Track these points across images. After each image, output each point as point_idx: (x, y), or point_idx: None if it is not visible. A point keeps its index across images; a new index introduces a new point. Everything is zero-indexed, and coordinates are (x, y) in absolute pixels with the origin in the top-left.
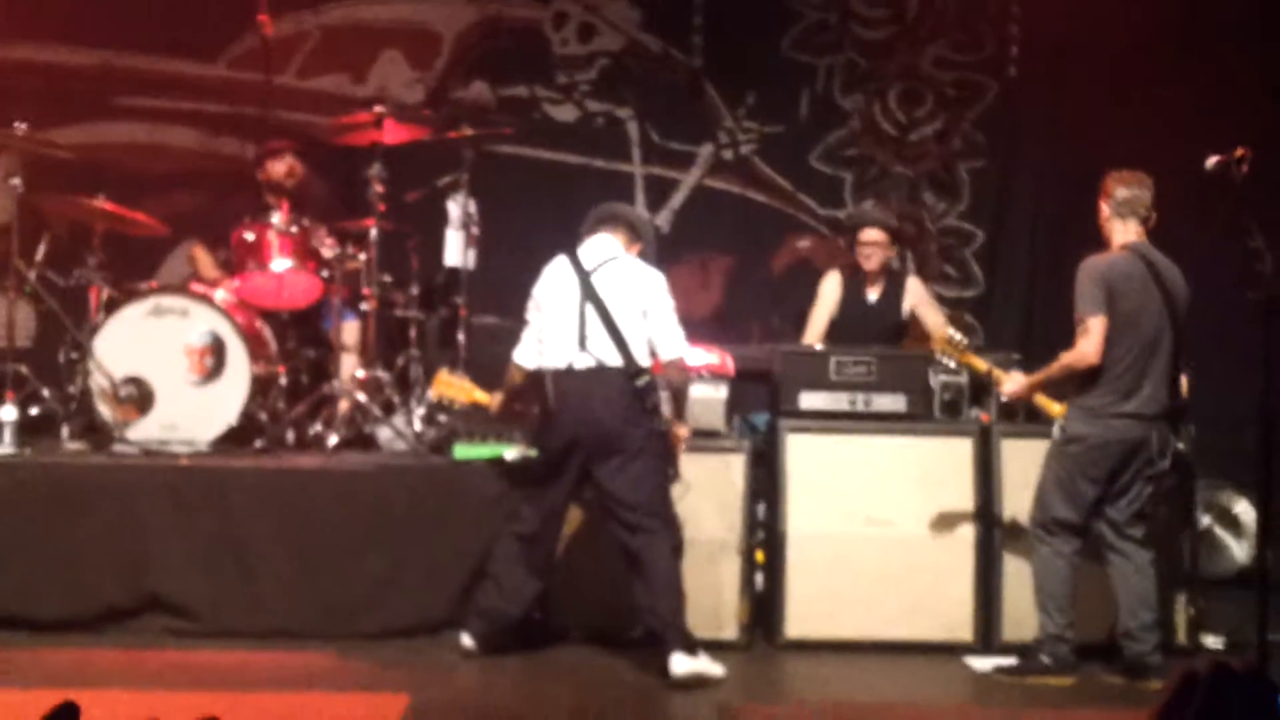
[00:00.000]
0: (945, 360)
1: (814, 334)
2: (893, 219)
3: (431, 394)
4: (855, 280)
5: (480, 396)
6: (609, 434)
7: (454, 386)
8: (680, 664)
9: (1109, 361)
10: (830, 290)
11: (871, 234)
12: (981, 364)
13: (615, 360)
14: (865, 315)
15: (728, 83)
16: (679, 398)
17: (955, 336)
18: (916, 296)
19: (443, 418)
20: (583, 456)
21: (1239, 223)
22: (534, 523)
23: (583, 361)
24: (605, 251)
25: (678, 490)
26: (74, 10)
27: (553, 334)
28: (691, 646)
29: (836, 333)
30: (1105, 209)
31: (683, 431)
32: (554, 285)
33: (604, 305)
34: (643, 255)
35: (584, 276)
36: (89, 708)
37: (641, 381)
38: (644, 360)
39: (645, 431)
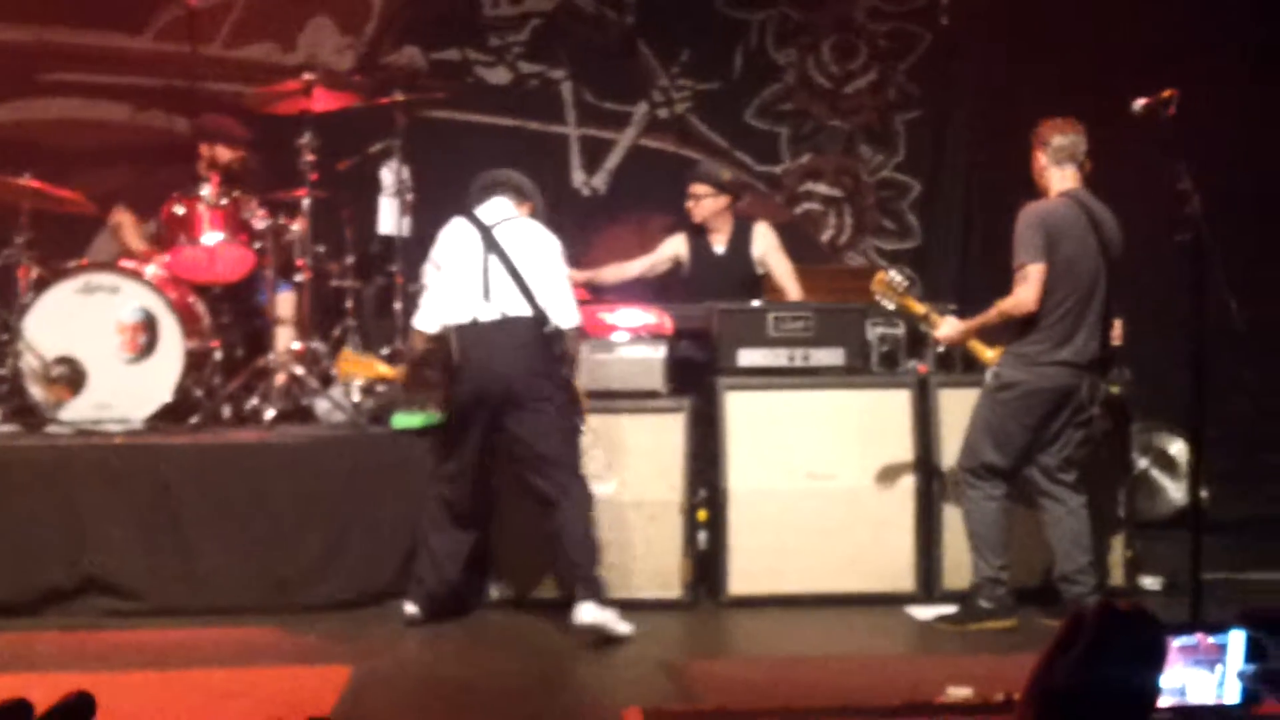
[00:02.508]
0: (883, 302)
1: (616, 273)
2: (722, 176)
3: (336, 373)
4: (701, 237)
5: (384, 370)
6: (516, 384)
7: (358, 364)
8: (586, 613)
9: (1045, 309)
10: (667, 248)
11: (695, 188)
12: (919, 306)
13: (522, 310)
14: (714, 267)
15: (661, 41)
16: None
17: (894, 278)
18: (765, 243)
19: (381, 387)
20: (491, 408)
21: (1167, 165)
22: (455, 482)
23: (487, 314)
24: (502, 211)
25: (608, 448)
26: None
27: (455, 290)
28: (601, 597)
29: (690, 287)
30: (1041, 158)
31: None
32: (454, 243)
33: (507, 257)
34: (535, 215)
35: (485, 231)
36: (28, 691)
37: (548, 329)
38: (549, 310)
39: (553, 381)
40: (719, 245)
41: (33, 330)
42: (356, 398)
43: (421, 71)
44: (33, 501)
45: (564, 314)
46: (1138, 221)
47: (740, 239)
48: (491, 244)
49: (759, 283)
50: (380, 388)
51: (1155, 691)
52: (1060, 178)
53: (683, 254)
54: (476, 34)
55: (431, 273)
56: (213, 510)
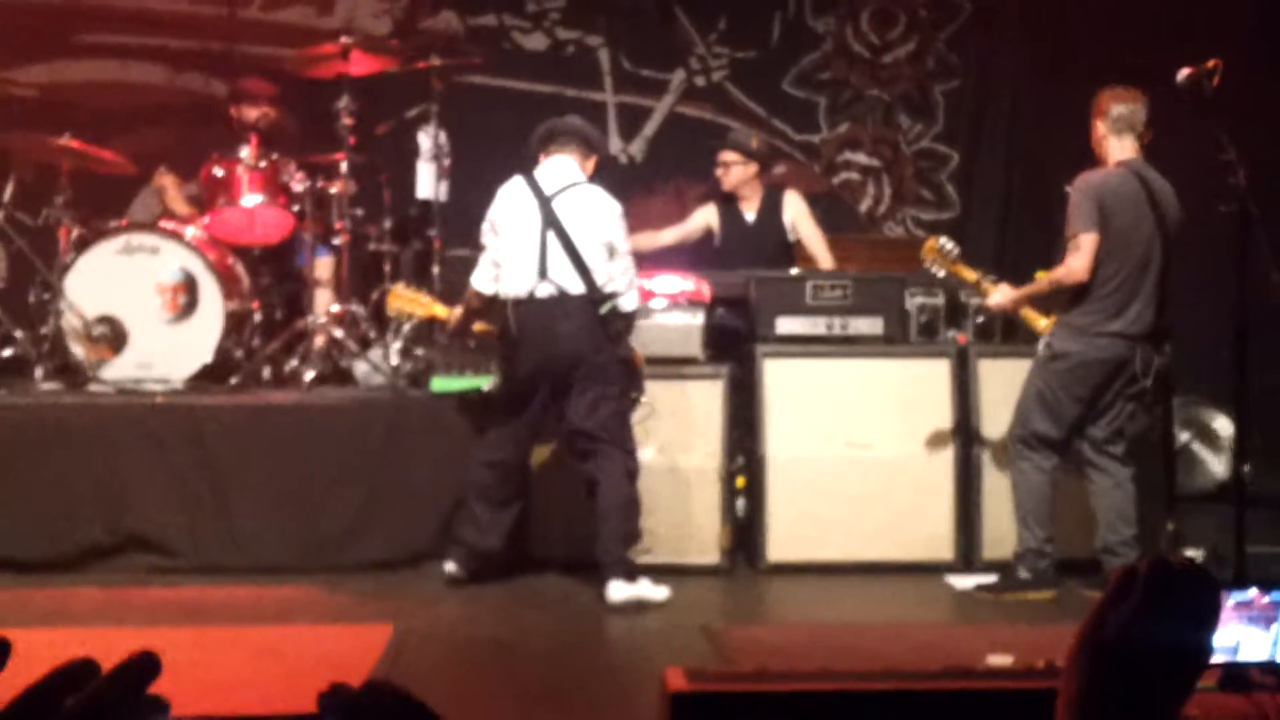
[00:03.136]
0: (934, 269)
1: (649, 241)
2: (750, 143)
3: (388, 309)
4: (732, 205)
5: (438, 310)
6: (571, 361)
7: (410, 300)
8: (616, 590)
9: (1098, 279)
10: (698, 216)
11: (724, 155)
12: (970, 274)
13: (577, 288)
14: (745, 235)
15: (699, 8)
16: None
17: (945, 245)
18: (795, 210)
19: (419, 350)
20: (546, 384)
21: (1211, 136)
22: (502, 451)
23: (544, 290)
24: (564, 175)
25: (647, 415)
26: None
27: (512, 260)
28: (630, 573)
29: (722, 256)
30: (1100, 127)
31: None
32: (513, 209)
33: (566, 233)
34: (598, 169)
35: (544, 202)
36: (71, 646)
37: (604, 309)
38: (606, 288)
39: (607, 359)
40: (749, 213)
41: (74, 290)
42: (395, 360)
43: (458, 37)
44: (74, 459)
45: (624, 294)
46: (1181, 193)
47: (770, 207)
48: (550, 217)
49: (790, 250)
50: (418, 350)
51: (1209, 648)
52: (1118, 148)
53: (714, 223)
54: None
55: (489, 235)
56: (252, 470)
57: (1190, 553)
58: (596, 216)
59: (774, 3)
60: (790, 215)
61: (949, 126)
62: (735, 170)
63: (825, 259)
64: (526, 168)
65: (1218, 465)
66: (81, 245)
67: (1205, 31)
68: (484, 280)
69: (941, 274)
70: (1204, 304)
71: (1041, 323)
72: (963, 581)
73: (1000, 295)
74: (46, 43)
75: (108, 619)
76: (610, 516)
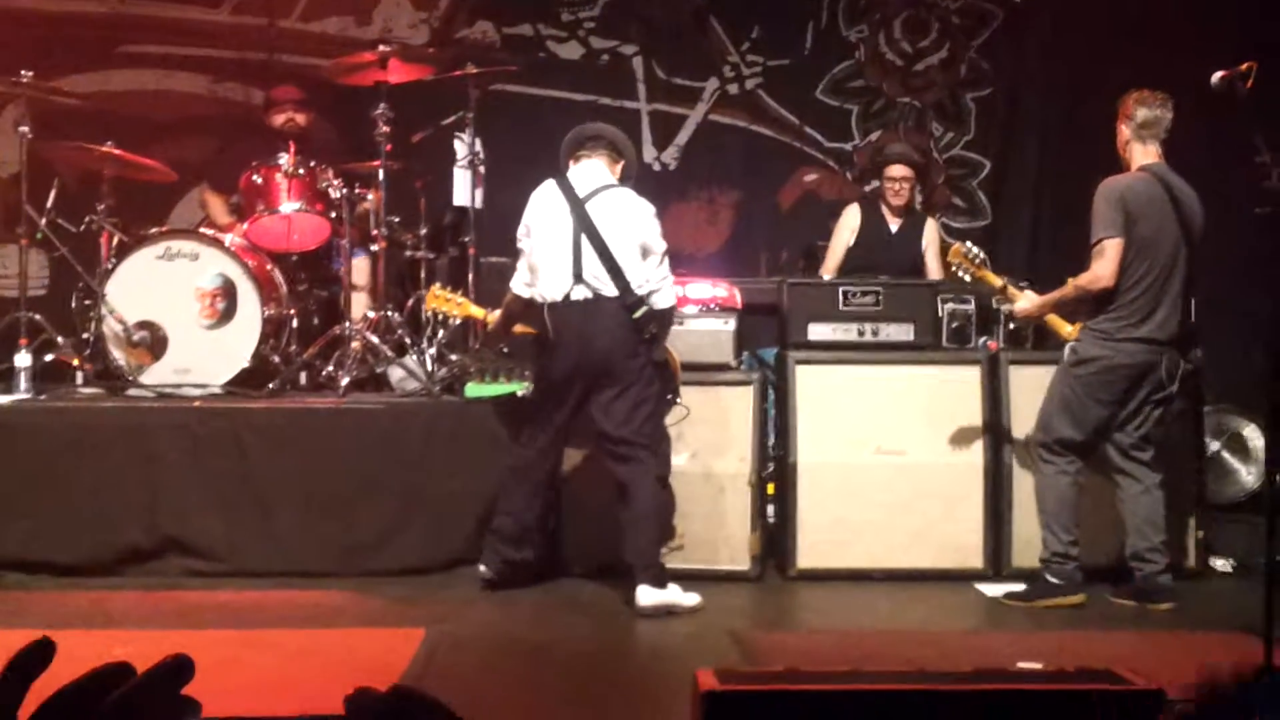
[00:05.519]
0: (960, 274)
1: (831, 265)
2: (917, 155)
3: (425, 308)
4: (875, 212)
5: (475, 311)
6: (607, 364)
7: (448, 300)
8: (645, 596)
9: (1124, 285)
10: (849, 221)
11: (898, 169)
12: (996, 280)
13: (611, 291)
14: (888, 245)
15: (732, 17)
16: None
17: (971, 250)
18: (930, 237)
19: (454, 356)
20: (581, 387)
21: (1245, 138)
22: (535, 454)
23: (579, 293)
24: (596, 178)
25: (681, 419)
26: None
27: (547, 264)
28: (660, 579)
29: (857, 262)
30: (1125, 131)
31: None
32: (546, 213)
33: (599, 236)
34: (626, 173)
35: (577, 205)
36: (109, 646)
37: (639, 313)
38: (640, 290)
39: (642, 362)
40: (894, 225)
41: (115, 295)
42: (430, 366)
43: (494, 46)
44: (114, 463)
45: (660, 294)
46: (1214, 197)
47: (914, 225)
48: (583, 221)
49: (922, 265)
50: (452, 355)
51: None
52: (1142, 153)
53: (854, 224)
54: (549, 9)
55: (524, 238)
56: (289, 475)
57: (1219, 562)
58: (629, 218)
59: (807, 11)
60: (927, 240)
61: (980, 134)
62: (905, 185)
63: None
64: (560, 172)
65: (1248, 474)
66: (123, 251)
67: (1237, 38)
68: (521, 284)
69: (967, 279)
70: (1235, 309)
71: (1067, 329)
72: (992, 589)
73: (1026, 301)
74: (90, 53)
75: (145, 621)
76: (641, 522)
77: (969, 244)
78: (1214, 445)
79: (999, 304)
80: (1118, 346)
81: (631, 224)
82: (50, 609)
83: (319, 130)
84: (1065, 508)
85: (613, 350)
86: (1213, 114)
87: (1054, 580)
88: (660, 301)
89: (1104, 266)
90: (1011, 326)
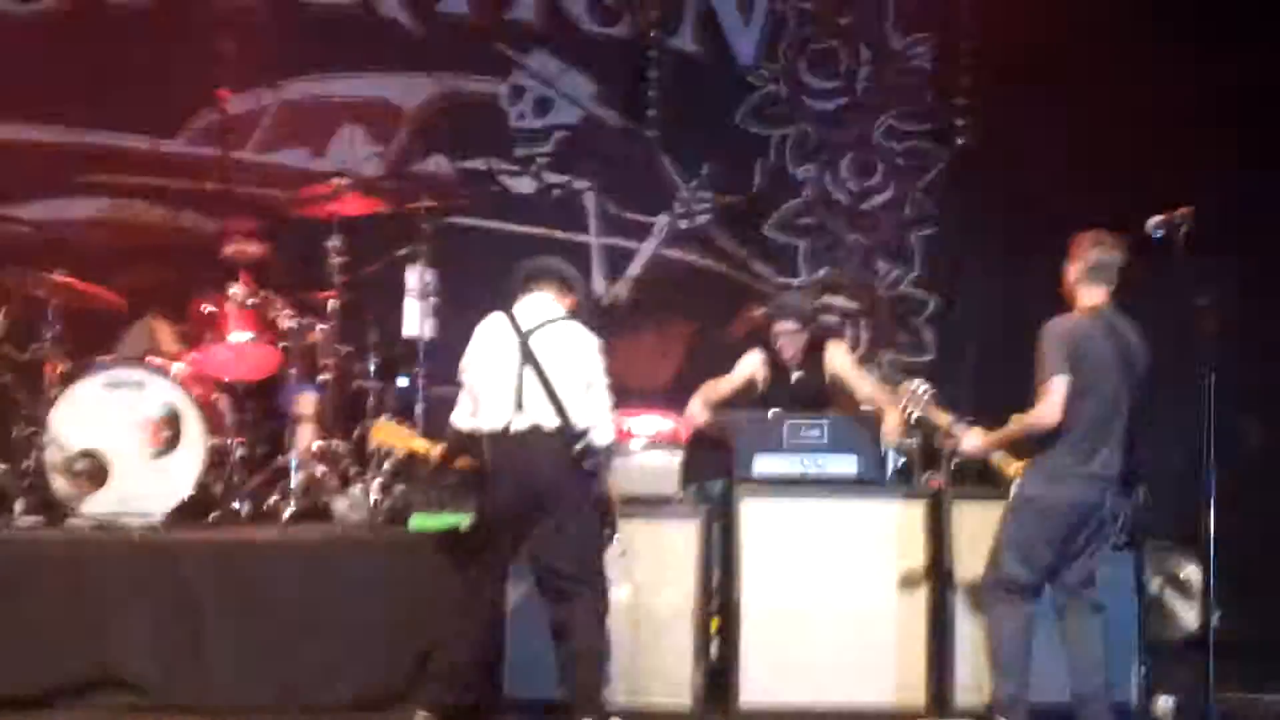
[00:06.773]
0: (908, 412)
1: (708, 393)
2: (808, 306)
3: (372, 440)
4: (777, 358)
5: (418, 445)
6: (546, 496)
7: (394, 433)
8: None
9: (1069, 423)
10: (746, 367)
11: (782, 325)
12: (944, 418)
13: (552, 422)
14: (789, 390)
15: (683, 154)
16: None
17: (919, 388)
18: (837, 363)
19: (399, 488)
20: (521, 520)
21: (1183, 281)
22: (478, 592)
23: (520, 423)
24: (543, 311)
25: (621, 554)
26: (37, 89)
27: (489, 394)
28: (601, 715)
29: (764, 408)
30: (1075, 271)
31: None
32: (490, 345)
33: (542, 368)
34: (577, 306)
35: (523, 337)
36: None
37: (579, 446)
38: (581, 423)
39: (582, 494)
40: (795, 369)
41: (58, 424)
42: (375, 497)
43: (448, 180)
44: (50, 594)
45: (600, 429)
46: (1153, 336)
47: (814, 363)
48: (528, 354)
49: (829, 401)
50: (397, 487)
51: None
52: (1089, 294)
53: (759, 375)
54: (503, 145)
55: (468, 370)
56: (228, 608)
57: (1162, 699)
58: (573, 351)
59: (756, 150)
60: (832, 369)
61: (926, 271)
62: (796, 339)
63: (875, 400)
64: (509, 305)
65: (1189, 614)
66: (68, 380)
67: (1186, 176)
68: (463, 415)
69: (916, 416)
70: (1172, 449)
71: (1012, 467)
72: None
73: (973, 439)
74: (44, 181)
75: None
76: (582, 659)
77: (917, 382)
78: (1155, 585)
79: (947, 441)
80: (1064, 484)
81: (575, 357)
82: None
83: (271, 260)
84: (1016, 651)
85: (553, 482)
86: (1151, 254)
87: None
88: (599, 438)
89: (1050, 405)
90: (956, 463)
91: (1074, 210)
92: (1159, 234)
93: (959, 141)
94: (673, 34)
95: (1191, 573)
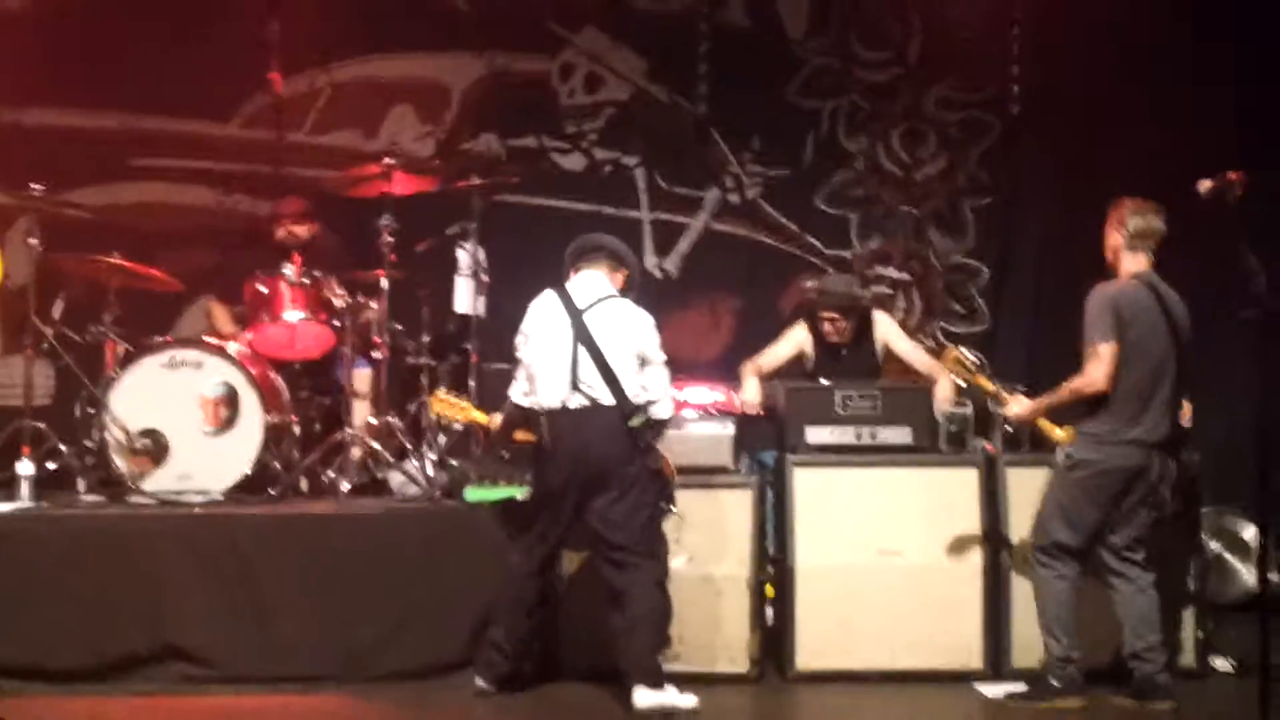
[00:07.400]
0: (955, 379)
1: (757, 367)
2: (854, 292)
3: (430, 411)
4: (824, 337)
5: (478, 416)
6: (603, 472)
7: (451, 405)
8: (642, 698)
9: (1115, 388)
10: (794, 339)
11: (829, 314)
12: (990, 385)
13: (608, 399)
14: (839, 364)
15: (733, 128)
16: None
17: (966, 356)
18: (884, 330)
19: (454, 461)
20: (578, 494)
21: (1233, 245)
22: (531, 564)
23: (576, 401)
24: (595, 289)
25: (677, 524)
26: (92, 75)
27: (545, 372)
28: (658, 681)
29: (813, 378)
30: (1117, 238)
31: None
32: (544, 323)
33: (597, 347)
34: (628, 283)
35: (576, 315)
36: None
37: (636, 421)
38: (636, 399)
39: (638, 469)
40: (844, 347)
41: (118, 404)
42: (431, 471)
43: (499, 157)
44: (113, 570)
45: (661, 404)
46: (1204, 299)
47: (862, 332)
48: (581, 331)
49: (879, 370)
50: (453, 461)
51: None
52: (1133, 260)
53: (807, 348)
54: (553, 122)
55: (522, 347)
56: (288, 580)
57: (1219, 661)
58: (627, 329)
59: (807, 123)
60: (880, 337)
61: (979, 241)
62: (839, 324)
63: (927, 367)
64: (561, 282)
65: (1248, 575)
66: (127, 361)
67: (1232, 146)
68: (519, 393)
69: (961, 383)
70: (1230, 412)
71: (1058, 433)
72: (993, 690)
73: (1018, 406)
74: (101, 167)
75: None
76: (640, 626)
77: (963, 349)
78: (1215, 546)
79: (997, 408)
80: (1111, 450)
81: (629, 335)
82: (43, 715)
83: (323, 241)
84: (1065, 612)
85: (608, 457)
86: (1203, 219)
87: (1055, 683)
88: (660, 411)
89: (1098, 370)
90: (1008, 429)
91: (1129, 177)
92: (1211, 196)
93: (1012, 110)
94: (723, 7)
95: (1251, 535)
